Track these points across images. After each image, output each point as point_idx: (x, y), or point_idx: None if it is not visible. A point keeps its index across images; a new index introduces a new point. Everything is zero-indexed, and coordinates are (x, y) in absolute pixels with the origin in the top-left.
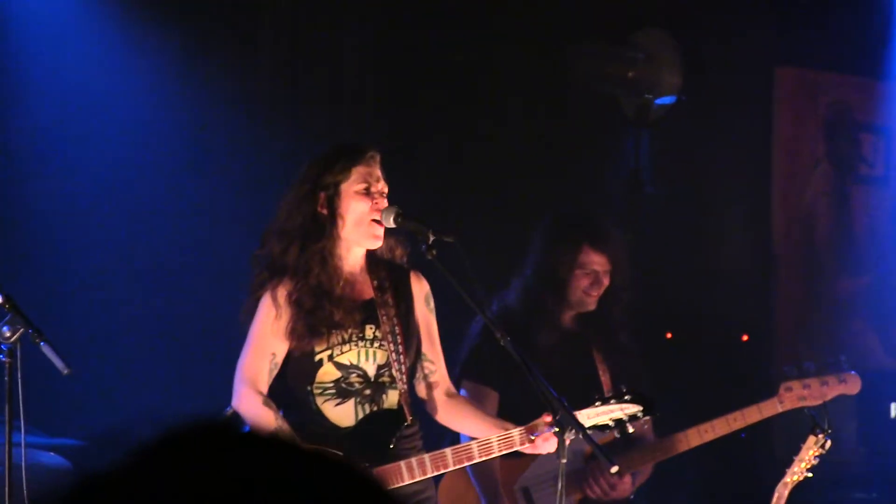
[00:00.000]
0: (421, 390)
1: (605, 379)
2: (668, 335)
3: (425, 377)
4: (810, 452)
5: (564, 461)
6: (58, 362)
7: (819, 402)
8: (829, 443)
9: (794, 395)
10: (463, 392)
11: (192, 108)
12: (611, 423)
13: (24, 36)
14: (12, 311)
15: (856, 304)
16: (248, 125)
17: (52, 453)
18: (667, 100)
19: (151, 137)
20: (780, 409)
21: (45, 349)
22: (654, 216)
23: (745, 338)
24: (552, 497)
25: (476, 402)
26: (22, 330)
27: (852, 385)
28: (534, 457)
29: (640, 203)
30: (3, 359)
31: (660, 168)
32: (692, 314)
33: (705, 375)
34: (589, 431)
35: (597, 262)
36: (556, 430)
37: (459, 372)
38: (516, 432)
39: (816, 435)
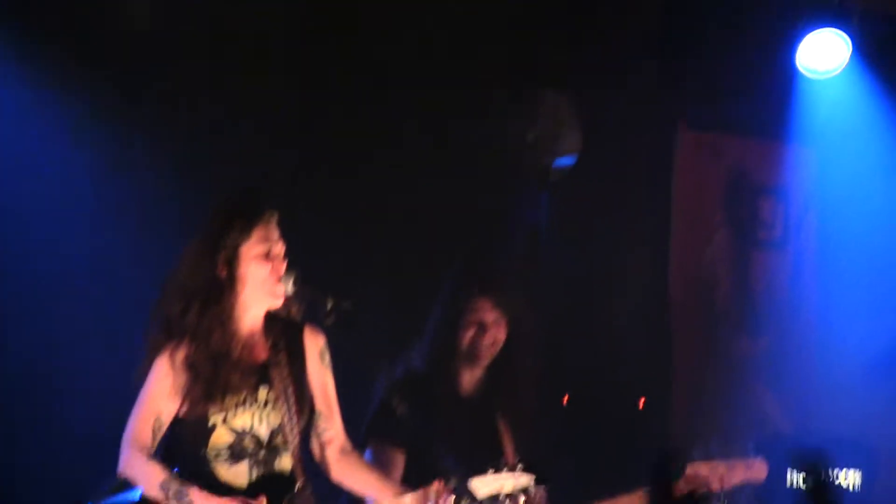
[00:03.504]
0: (315, 448)
1: (508, 445)
2: (565, 398)
3: (319, 435)
4: None
5: None
6: None
7: (725, 487)
8: None
9: (701, 478)
10: (368, 452)
11: (112, 158)
12: (501, 495)
13: None
14: None
15: (754, 366)
16: (163, 177)
17: None
18: (566, 160)
19: (73, 185)
20: (686, 491)
21: None
22: (552, 277)
23: (642, 401)
24: None
25: (381, 462)
26: None
27: (758, 471)
28: None
29: (538, 263)
30: None
31: (560, 227)
32: (590, 376)
33: (603, 440)
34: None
35: (483, 307)
36: (453, 499)
37: (365, 431)
38: (408, 498)
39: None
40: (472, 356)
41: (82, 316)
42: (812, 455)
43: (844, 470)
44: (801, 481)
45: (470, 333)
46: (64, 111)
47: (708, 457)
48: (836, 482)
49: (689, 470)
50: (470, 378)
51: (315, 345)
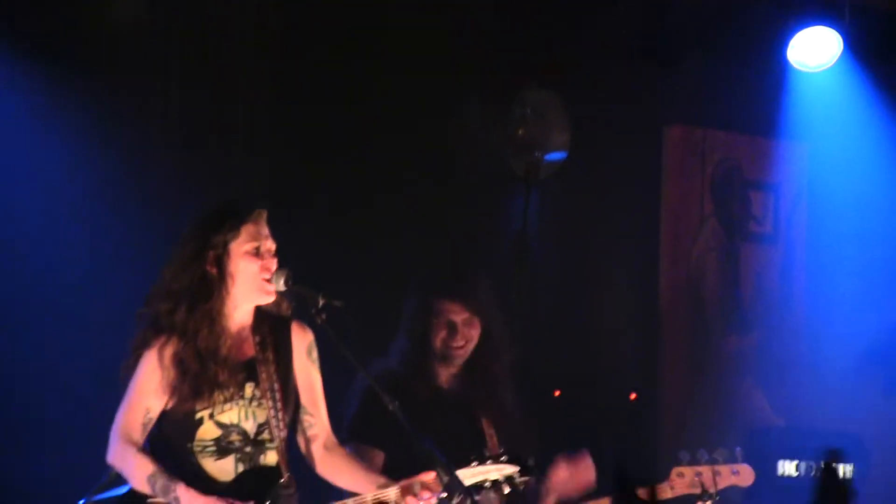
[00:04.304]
0: (301, 443)
1: (491, 439)
2: (557, 393)
3: (304, 430)
4: None
5: None
6: None
7: (710, 490)
8: None
9: (686, 482)
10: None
11: (88, 163)
12: (487, 484)
13: None
14: None
15: (743, 361)
16: (140, 187)
17: None
18: (556, 156)
19: (49, 193)
20: (670, 495)
21: None
22: (541, 274)
23: (633, 396)
24: None
25: (366, 462)
26: None
27: (745, 477)
28: None
29: (527, 261)
30: None
31: (548, 226)
32: (580, 372)
33: (593, 433)
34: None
35: (452, 310)
36: (445, 495)
37: (346, 434)
38: (392, 490)
39: (704, 501)
40: (445, 356)
41: (71, 319)
42: (804, 448)
43: (836, 463)
44: (792, 471)
45: (441, 335)
46: (51, 118)
47: (694, 462)
48: (830, 474)
49: (674, 473)
50: (447, 375)
51: (303, 340)
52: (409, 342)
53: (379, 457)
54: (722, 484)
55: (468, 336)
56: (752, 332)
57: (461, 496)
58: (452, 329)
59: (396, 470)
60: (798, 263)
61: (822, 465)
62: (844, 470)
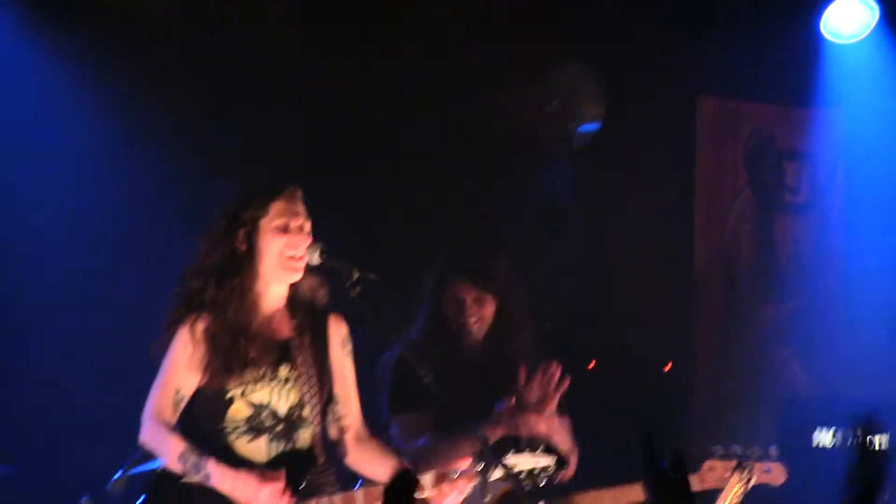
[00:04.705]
0: (332, 433)
1: None
2: (592, 364)
3: (336, 420)
4: (735, 490)
5: (488, 499)
6: None
7: (747, 453)
8: (753, 480)
9: (717, 476)
10: (394, 428)
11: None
12: (523, 475)
13: None
14: None
15: (779, 331)
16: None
17: None
18: (589, 127)
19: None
20: (699, 488)
21: None
22: (574, 245)
23: (667, 367)
24: None
25: (414, 430)
26: None
27: (777, 475)
28: None
29: (560, 232)
30: None
31: (581, 198)
32: (614, 343)
33: (627, 406)
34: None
35: (461, 289)
36: (482, 465)
37: (388, 412)
38: (427, 477)
39: (740, 472)
40: (462, 333)
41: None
42: (840, 418)
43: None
44: (828, 441)
45: (452, 312)
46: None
47: (727, 457)
48: (865, 444)
49: (706, 466)
50: (466, 350)
51: (339, 332)
52: (426, 318)
53: (429, 419)
54: (753, 481)
55: (479, 314)
56: (788, 302)
57: (496, 467)
58: (462, 308)
59: (448, 428)
60: (833, 233)
61: (858, 436)
62: (880, 440)
